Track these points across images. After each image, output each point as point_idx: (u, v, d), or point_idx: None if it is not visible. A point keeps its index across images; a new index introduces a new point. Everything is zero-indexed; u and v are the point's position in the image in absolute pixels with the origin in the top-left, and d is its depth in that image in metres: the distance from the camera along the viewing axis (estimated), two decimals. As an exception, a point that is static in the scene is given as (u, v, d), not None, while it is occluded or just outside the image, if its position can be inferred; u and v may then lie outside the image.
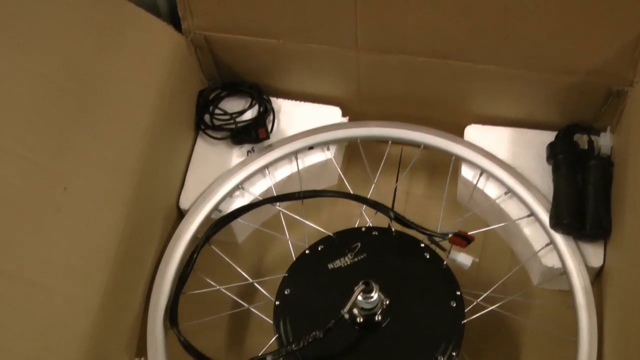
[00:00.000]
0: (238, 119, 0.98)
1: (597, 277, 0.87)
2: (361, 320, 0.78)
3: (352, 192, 0.92)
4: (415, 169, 1.01)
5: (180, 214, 0.95)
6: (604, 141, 0.90)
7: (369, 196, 0.89)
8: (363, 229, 0.87)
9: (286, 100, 1.01)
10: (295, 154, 0.96)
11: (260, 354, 0.77)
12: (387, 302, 0.79)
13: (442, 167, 0.97)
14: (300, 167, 0.96)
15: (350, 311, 0.77)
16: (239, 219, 0.91)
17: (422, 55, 0.90)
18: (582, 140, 0.92)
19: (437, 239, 0.82)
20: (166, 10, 0.95)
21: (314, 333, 0.74)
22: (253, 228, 0.99)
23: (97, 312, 0.75)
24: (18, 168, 0.71)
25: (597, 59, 0.85)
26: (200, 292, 0.87)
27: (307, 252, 0.86)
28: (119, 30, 0.86)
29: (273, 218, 0.99)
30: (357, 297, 0.75)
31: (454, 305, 0.80)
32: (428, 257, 0.84)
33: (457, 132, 0.96)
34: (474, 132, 0.97)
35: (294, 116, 1.00)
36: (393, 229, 0.87)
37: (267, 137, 0.96)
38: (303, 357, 0.77)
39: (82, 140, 0.78)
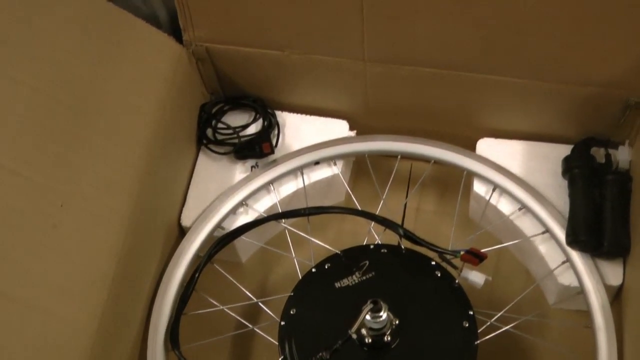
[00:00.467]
0: (241, 134, 0.98)
1: (616, 296, 0.86)
2: (369, 340, 0.78)
3: (360, 208, 0.92)
4: (426, 184, 1.02)
5: (182, 232, 0.94)
6: (622, 155, 0.89)
7: (377, 213, 0.89)
8: (371, 247, 0.86)
9: (291, 113, 1.01)
10: (300, 169, 0.96)
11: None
12: (397, 322, 0.78)
13: (454, 182, 0.97)
14: (306, 182, 0.96)
15: (358, 331, 0.76)
16: (242, 237, 0.91)
17: (432, 67, 0.90)
18: (599, 154, 0.91)
19: (448, 257, 0.81)
20: (166, 21, 0.95)
21: (320, 354, 0.74)
22: (257, 246, 0.99)
23: (95, 334, 0.75)
24: (12, 184, 0.71)
25: (613, 71, 0.84)
26: (202, 312, 0.87)
27: (313, 270, 0.85)
28: (117, 42, 0.86)
29: (278, 236, 0.99)
30: (365, 316, 0.75)
31: (467, 325, 0.79)
32: (439, 275, 0.83)
33: (468, 146, 0.96)
34: (486, 146, 0.96)
35: (300, 130, 1.00)
36: (403, 247, 0.86)
37: (272, 152, 0.95)
38: (309, 379, 0.77)
39: (80, 155, 0.78)
